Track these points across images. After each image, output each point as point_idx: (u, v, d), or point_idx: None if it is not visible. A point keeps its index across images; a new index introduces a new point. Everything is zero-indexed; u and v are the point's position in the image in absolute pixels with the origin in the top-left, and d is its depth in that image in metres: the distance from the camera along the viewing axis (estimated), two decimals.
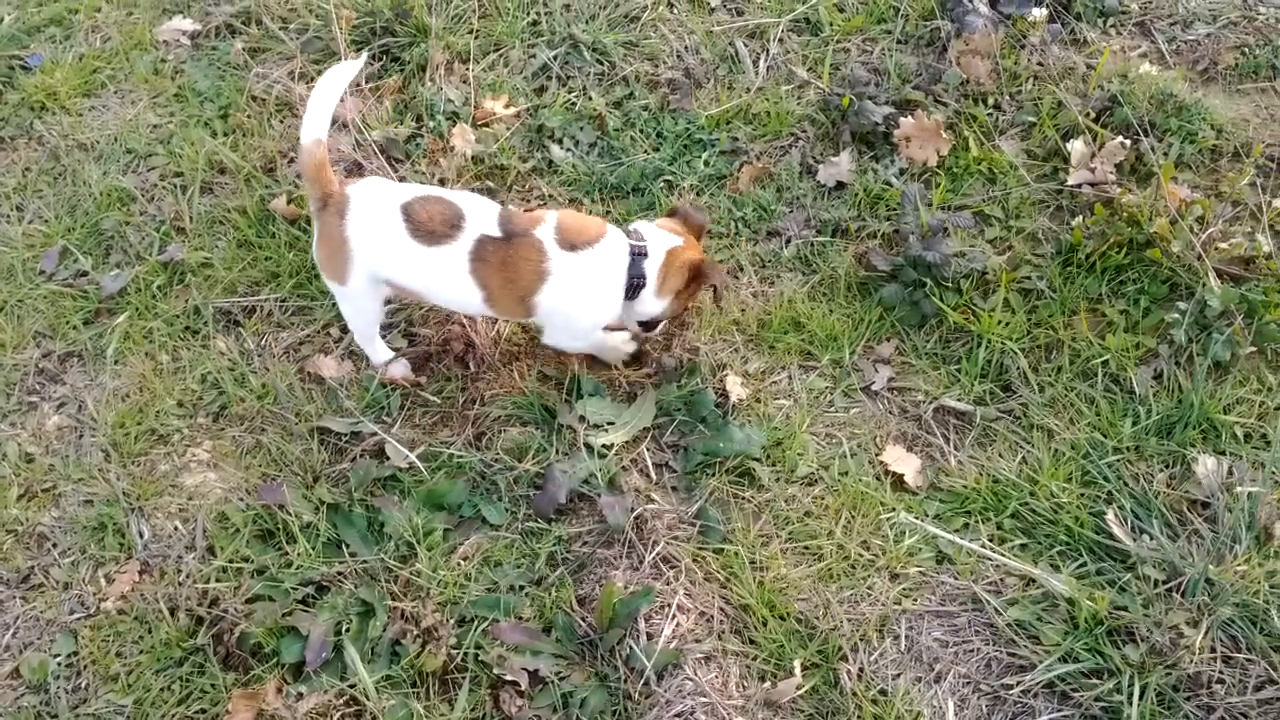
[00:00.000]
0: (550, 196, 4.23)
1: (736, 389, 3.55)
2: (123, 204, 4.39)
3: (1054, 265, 3.75)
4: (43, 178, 4.56)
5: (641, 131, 4.41)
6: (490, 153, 4.32)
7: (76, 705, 3.13)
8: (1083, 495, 3.24)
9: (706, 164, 4.29)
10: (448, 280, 3.30)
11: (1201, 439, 3.32)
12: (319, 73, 4.57)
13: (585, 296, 3.37)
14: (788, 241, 4.02)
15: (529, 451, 3.46)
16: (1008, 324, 3.61)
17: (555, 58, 4.66)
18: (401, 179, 4.23)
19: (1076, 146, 4.00)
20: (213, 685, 3.09)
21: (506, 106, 4.49)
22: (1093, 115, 4.13)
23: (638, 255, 3.38)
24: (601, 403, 3.54)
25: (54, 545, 3.46)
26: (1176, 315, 3.49)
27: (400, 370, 3.71)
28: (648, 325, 3.65)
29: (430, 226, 3.22)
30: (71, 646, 3.23)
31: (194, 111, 4.69)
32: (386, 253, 3.28)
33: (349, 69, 3.34)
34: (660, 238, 3.45)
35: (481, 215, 3.28)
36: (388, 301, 3.65)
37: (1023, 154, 4.12)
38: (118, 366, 3.89)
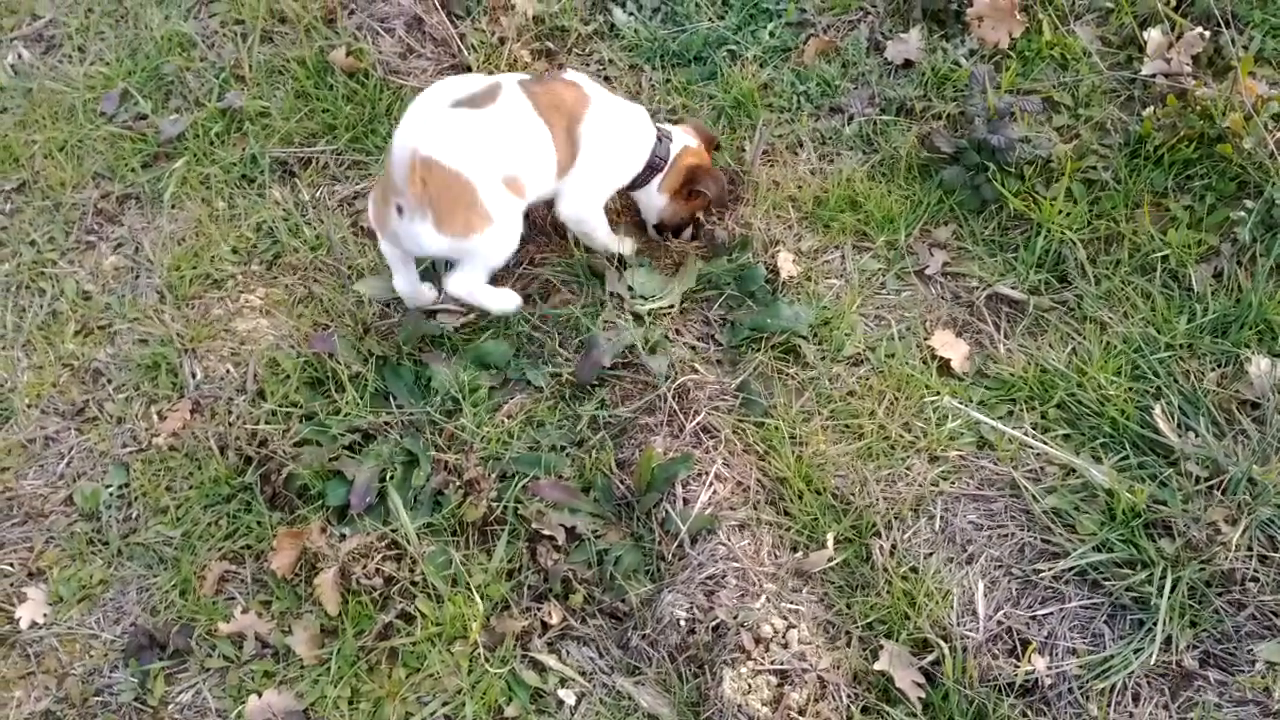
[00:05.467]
0: (610, 61, 4.17)
1: (788, 266, 3.52)
2: (183, 49, 4.38)
3: (1120, 156, 3.65)
4: (105, 19, 4.56)
5: None
6: (552, 13, 4.24)
7: (126, 534, 3.25)
8: (1131, 389, 3.20)
9: (772, 35, 4.18)
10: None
11: (1257, 340, 3.25)
12: None
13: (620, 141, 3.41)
14: (850, 119, 3.94)
15: (574, 318, 3.47)
16: (1069, 214, 3.54)
17: None
18: (461, 35, 4.18)
19: (1153, 35, 3.86)
20: (259, 523, 3.18)
21: None
22: (1173, 3, 3.96)
23: (664, 138, 3.48)
24: (649, 275, 3.52)
25: (108, 381, 3.55)
26: (1243, 213, 3.39)
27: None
28: (659, 229, 3.69)
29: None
30: (123, 478, 3.34)
31: None
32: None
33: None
34: (680, 135, 3.55)
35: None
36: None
37: (1097, 40, 3.98)
38: (174, 210, 3.93)
